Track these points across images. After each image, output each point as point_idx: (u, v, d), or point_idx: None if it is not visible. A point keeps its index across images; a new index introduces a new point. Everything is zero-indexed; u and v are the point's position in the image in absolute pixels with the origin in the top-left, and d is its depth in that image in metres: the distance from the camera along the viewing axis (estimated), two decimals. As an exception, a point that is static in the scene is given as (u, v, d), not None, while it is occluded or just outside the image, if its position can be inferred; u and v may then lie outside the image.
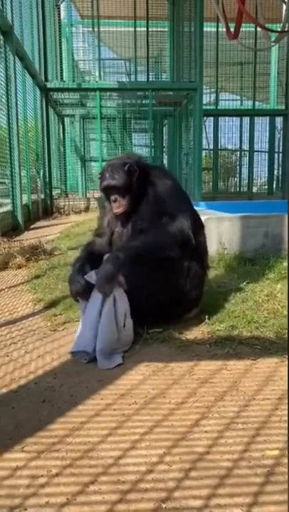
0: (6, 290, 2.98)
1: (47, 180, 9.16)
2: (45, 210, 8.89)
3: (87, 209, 9.09)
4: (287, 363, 1.77)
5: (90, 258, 2.14)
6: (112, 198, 2.15)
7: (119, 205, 2.14)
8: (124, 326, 1.92)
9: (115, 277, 1.91)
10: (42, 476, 1.15)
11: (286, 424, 1.35)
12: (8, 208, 6.04)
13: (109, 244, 2.24)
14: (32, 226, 6.60)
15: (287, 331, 2.02)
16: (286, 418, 1.38)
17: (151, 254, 2.05)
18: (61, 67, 9.93)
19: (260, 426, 1.36)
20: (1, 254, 3.93)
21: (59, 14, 10.12)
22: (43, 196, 8.92)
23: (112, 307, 1.89)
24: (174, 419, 1.41)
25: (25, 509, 1.04)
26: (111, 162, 2.25)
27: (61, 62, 9.96)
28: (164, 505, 1.04)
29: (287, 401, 1.46)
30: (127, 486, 1.11)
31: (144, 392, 1.58)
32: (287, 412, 1.40)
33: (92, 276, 1.93)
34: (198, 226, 2.23)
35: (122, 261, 1.94)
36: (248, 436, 1.31)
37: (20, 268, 3.60)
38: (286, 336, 1.99)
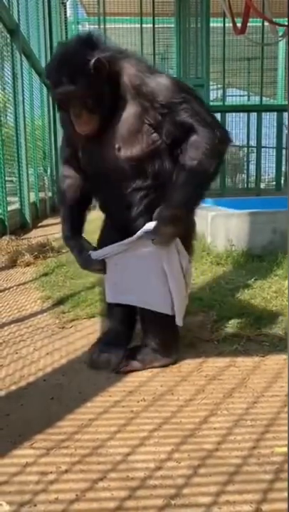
0: (15, 288, 3.00)
1: (54, 178, 9.18)
2: (53, 208, 8.90)
3: (94, 207, 9.07)
4: (295, 359, 1.76)
5: (77, 220, 1.79)
6: (74, 111, 1.50)
7: (84, 122, 1.51)
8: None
9: (180, 219, 1.53)
10: (51, 472, 1.16)
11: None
12: (16, 206, 6.07)
13: (83, 173, 1.72)
14: (40, 224, 6.62)
15: (295, 328, 2.01)
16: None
17: (204, 191, 1.58)
18: (68, 64, 9.92)
19: (269, 423, 1.35)
20: (9, 252, 3.94)
21: (65, 12, 10.14)
22: (50, 194, 8.94)
23: (178, 264, 1.62)
24: (182, 416, 1.41)
25: (35, 505, 1.05)
26: (62, 51, 1.52)
27: (67, 60, 9.95)
28: (172, 502, 1.04)
29: (287, 400, 1.46)
30: (136, 483, 1.11)
31: (153, 389, 1.58)
32: (296, 409, 1.39)
33: (105, 252, 1.67)
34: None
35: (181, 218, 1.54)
36: (257, 433, 1.30)
37: (28, 266, 3.61)
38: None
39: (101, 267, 1.72)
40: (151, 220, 1.54)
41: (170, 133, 1.54)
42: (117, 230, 1.69)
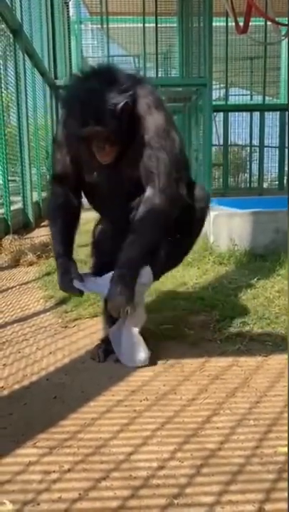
0: (18, 287, 3.00)
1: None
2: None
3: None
4: (298, 359, 1.76)
5: (68, 239, 1.83)
6: (97, 144, 1.58)
7: (106, 154, 1.60)
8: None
9: (129, 302, 1.62)
10: (54, 471, 1.16)
11: (298, 421, 1.34)
12: (19, 205, 6.08)
13: (75, 192, 1.81)
14: (42, 223, 6.62)
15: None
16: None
17: (153, 246, 1.69)
18: (70, 64, 9.93)
19: (271, 422, 1.35)
20: (12, 252, 3.95)
21: (68, 11, 10.11)
22: (53, 194, 8.92)
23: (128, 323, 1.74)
24: (185, 415, 1.41)
25: (38, 504, 1.05)
26: (85, 90, 1.55)
27: (70, 59, 9.96)
28: (175, 501, 1.05)
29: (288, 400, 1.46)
30: (139, 482, 1.11)
31: (155, 388, 1.58)
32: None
33: (86, 285, 1.75)
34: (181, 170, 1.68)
35: (129, 280, 1.62)
36: (260, 433, 1.30)
37: (31, 265, 3.62)
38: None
39: (78, 294, 1.77)
40: None
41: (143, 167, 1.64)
42: (119, 241, 1.72)
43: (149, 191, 1.62)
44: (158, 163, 1.60)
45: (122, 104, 1.51)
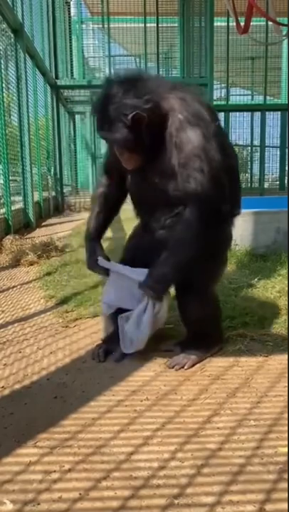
0: (19, 287, 3.00)
1: (58, 177, 9.19)
2: (57, 207, 8.92)
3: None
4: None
5: (101, 226, 1.94)
6: (116, 149, 1.63)
7: (128, 160, 1.64)
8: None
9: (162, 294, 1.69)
10: (55, 471, 1.16)
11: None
12: (20, 205, 6.08)
13: (118, 186, 1.87)
14: (43, 223, 6.63)
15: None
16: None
17: (184, 266, 1.67)
18: (71, 64, 9.93)
19: (272, 423, 1.35)
20: (12, 252, 3.95)
21: (69, 11, 10.10)
22: (54, 193, 8.95)
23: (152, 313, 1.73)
24: (185, 415, 1.41)
25: (39, 503, 1.05)
26: (107, 93, 1.55)
27: (71, 59, 9.96)
28: (176, 502, 1.05)
29: (288, 400, 1.46)
30: (139, 482, 1.11)
31: (156, 388, 1.58)
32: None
33: (112, 265, 1.84)
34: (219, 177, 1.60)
35: (161, 286, 1.67)
36: (261, 433, 1.30)
37: (32, 265, 3.62)
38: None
39: (104, 272, 1.87)
40: None
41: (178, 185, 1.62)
42: (146, 239, 1.83)
43: (187, 213, 1.60)
44: (196, 185, 1.55)
45: (132, 114, 1.48)
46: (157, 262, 1.64)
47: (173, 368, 1.74)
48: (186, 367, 1.74)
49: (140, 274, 1.70)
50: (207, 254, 1.67)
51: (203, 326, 1.84)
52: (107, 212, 1.94)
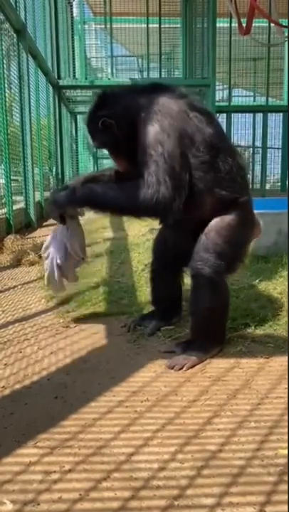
0: (20, 287, 3.00)
1: (59, 177, 9.20)
2: (58, 207, 8.90)
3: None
4: (300, 361, 1.76)
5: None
6: (109, 156, 1.91)
7: (117, 163, 1.89)
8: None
9: (64, 206, 1.90)
10: (55, 471, 1.16)
11: (299, 423, 1.34)
12: (21, 205, 6.08)
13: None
14: (45, 223, 6.63)
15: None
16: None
17: (107, 207, 1.78)
18: (74, 64, 9.94)
19: (273, 424, 1.35)
20: (14, 252, 3.95)
21: (71, 12, 10.11)
22: (55, 194, 8.93)
23: (62, 237, 2.05)
24: (186, 416, 1.40)
25: (39, 504, 1.05)
26: (87, 115, 1.84)
27: (74, 59, 9.97)
28: (176, 503, 1.04)
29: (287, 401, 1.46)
30: (140, 483, 1.11)
31: (156, 389, 1.58)
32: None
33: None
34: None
35: (77, 196, 1.79)
36: (261, 435, 1.30)
37: (33, 265, 3.62)
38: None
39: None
40: (194, 229, 1.84)
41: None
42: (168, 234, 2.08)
43: (135, 184, 1.66)
44: (149, 167, 1.64)
45: (101, 120, 1.73)
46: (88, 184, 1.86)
47: (172, 368, 1.74)
48: (185, 368, 1.74)
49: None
50: (227, 238, 1.77)
51: (210, 319, 1.83)
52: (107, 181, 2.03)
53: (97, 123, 1.74)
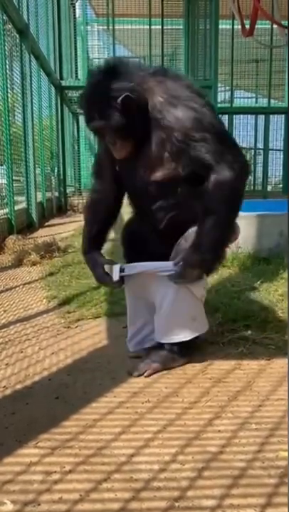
0: (21, 287, 3.01)
1: (61, 178, 9.21)
2: (59, 207, 8.93)
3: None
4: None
5: (98, 236, 1.85)
6: (108, 140, 1.59)
7: (119, 149, 1.60)
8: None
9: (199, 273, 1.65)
10: (55, 472, 1.16)
11: (300, 425, 1.33)
12: (23, 205, 6.09)
13: (112, 186, 1.80)
14: (46, 224, 6.64)
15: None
16: (300, 419, 1.37)
17: (231, 225, 1.66)
18: (76, 65, 9.95)
19: (273, 426, 1.35)
20: (15, 252, 3.96)
21: (74, 13, 10.13)
22: (57, 194, 8.96)
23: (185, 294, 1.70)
24: (187, 418, 1.40)
25: (39, 504, 1.05)
26: (92, 84, 1.56)
27: (76, 60, 9.98)
28: (176, 504, 1.04)
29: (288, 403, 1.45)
30: (140, 484, 1.11)
31: (157, 390, 1.58)
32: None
33: (115, 271, 1.73)
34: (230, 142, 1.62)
35: (211, 264, 1.68)
36: (262, 437, 1.30)
37: (34, 265, 3.62)
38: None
39: (117, 283, 1.76)
40: (174, 233, 1.67)
41: (187, 166, 1.58)
42: (144, 229, 1.80)
43: (214, 175, 1.53)
44: (209, 149, 1.51)
45: (122, 96, 1.47)
46: (198, 232, 1.58)
47: (132, 374, 1.69)
48: (145, 374, 1.68)
49: (167, 267, 1.65)
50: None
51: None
52: (102, 221, 1.85)
53: (114, 98, 1.48)
